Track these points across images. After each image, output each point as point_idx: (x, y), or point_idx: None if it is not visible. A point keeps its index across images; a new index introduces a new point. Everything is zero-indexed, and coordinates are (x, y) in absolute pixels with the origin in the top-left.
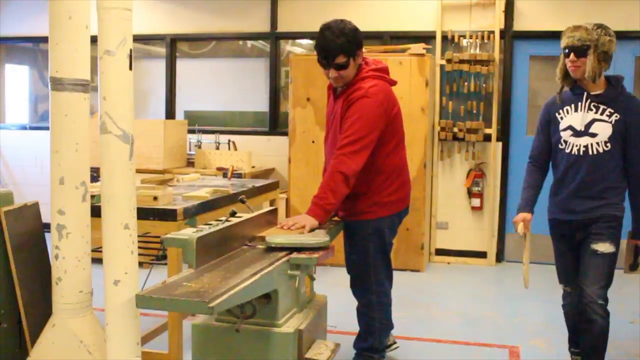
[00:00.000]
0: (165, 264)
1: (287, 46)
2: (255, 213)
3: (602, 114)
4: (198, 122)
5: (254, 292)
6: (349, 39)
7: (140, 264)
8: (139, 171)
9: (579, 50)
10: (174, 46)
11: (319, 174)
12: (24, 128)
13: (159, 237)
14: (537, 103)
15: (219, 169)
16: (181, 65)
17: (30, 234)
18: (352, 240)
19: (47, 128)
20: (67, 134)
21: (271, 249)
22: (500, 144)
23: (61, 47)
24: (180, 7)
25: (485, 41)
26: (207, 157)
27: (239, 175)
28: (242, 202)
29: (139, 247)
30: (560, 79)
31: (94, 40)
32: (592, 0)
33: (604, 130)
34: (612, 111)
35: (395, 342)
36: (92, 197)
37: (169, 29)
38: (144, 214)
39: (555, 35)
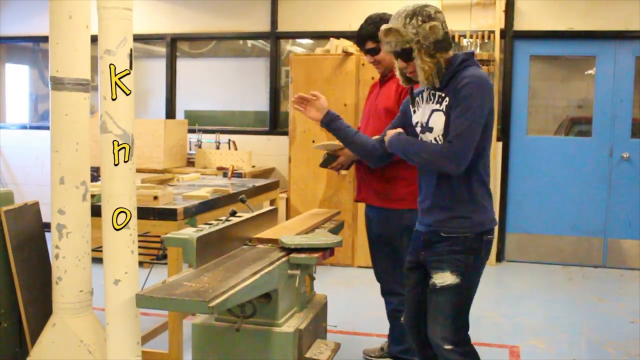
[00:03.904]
0: (166, 263)
1: (288, 46)
2: (256, 213)
3: (437, 102)
4: (198, 122)
5: (254, 291)
6: (377, 26)
7: (141, 264)
8: (139, 171)
9: (404, 55)
10: (174, 46)
11: (319, 173)
12: (25, 127)
13: (159, 236)
14: (538, 103)
15: (219, 168)
16: (181, 64)
17: (31, 234)
18: (385, 230)
19: (47, 128)
20: (67, 134)
21: (285, 249)
22: (500, 143)
23: (61, 47)
24: (181, 6)
25: (486, 41)
26: (207, 157)
27: (239, 175)
28: (243, 201)
29: (139, 247)
30: (404, 82)
31: (94, 39)
32: (592, 0)
33: (438, 121)
34: (444, 95)
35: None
36: (93, 196)
37: (169, 28)
38: (144, 213)
39: (556, 35)
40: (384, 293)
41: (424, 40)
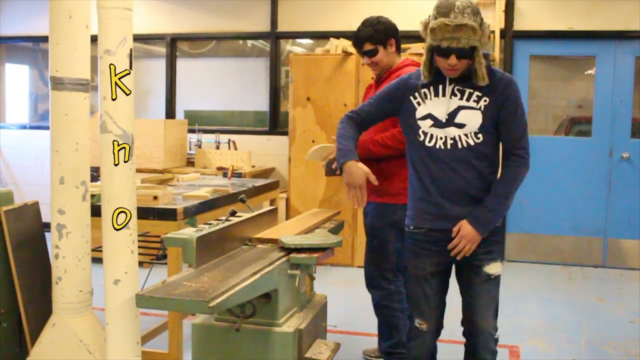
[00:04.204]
0: (165, 263)
1: (287, 46)
2: (255, 213)
3: (469, 99)
4: (198, 122)
5: (254, 291)
6: (375, 29)
7: (140, 264)
8: (139, 171)
9: (465, 53)
10: (174, 46)
11: (319, 173)
12: (24, 127)
13: (159, 236)
14: (538, 103)
15: (219, 168)
16: (181, 64)
17: (30, 234)
18: (375, 222)
19: (47, 127)
20: (67, 134)
21: (285, 249)
22: (500, 143)
23: (61, 47)
24: (181, 6)
25: None
26: (207, 157)
27: (239, 175)
28: (242, 201)
29: (139, 247)
30: (427, 77)
31: (94, 39)
32: (592, 0)
33: (472, 119)
34: (481, 95)
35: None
36: (92, 196)
37: (169, 28)
38: (144, 213)
39: (556, 35)
40: (368, 285)
41: (484, 38)
